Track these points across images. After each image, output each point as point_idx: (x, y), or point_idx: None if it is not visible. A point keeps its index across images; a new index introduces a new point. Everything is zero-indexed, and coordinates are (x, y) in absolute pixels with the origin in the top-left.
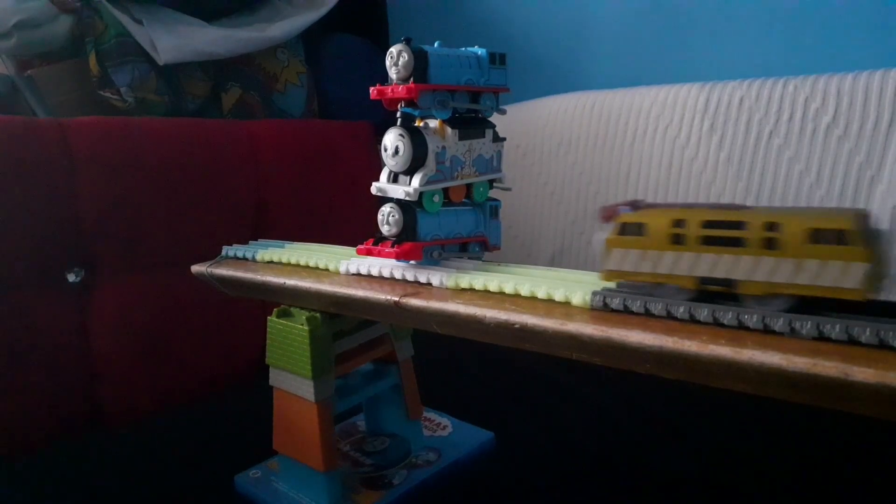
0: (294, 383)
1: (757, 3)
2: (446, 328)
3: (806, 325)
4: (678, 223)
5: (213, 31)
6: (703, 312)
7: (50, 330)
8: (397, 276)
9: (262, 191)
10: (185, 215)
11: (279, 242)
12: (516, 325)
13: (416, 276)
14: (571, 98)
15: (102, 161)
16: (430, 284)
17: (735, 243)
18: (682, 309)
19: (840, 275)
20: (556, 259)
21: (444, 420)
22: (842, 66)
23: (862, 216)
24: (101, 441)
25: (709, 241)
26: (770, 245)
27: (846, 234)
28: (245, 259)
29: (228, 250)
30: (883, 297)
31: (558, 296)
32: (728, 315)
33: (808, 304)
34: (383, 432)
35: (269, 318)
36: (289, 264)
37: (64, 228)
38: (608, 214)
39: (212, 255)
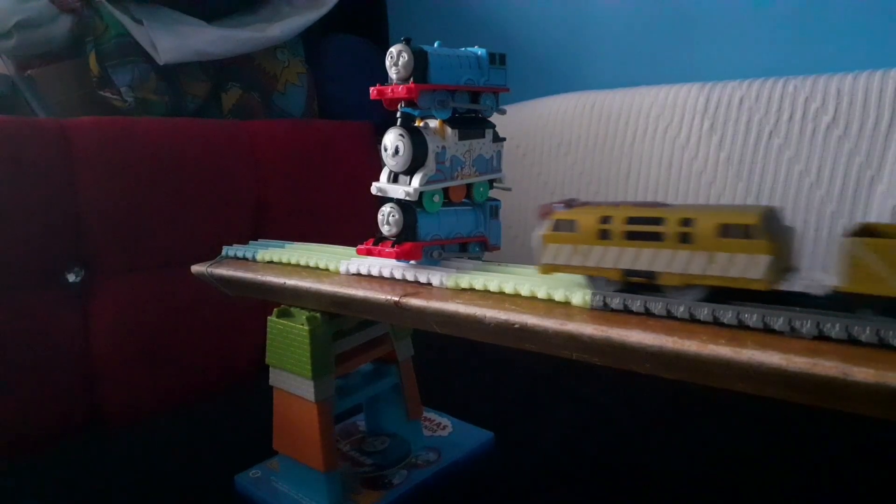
0: (294, 383)
1: (757, 3)
2: (446, 328)
3: (806, 323)
4: (605, 220)
5: (213, 32)
6: (703, 312)
7: (50, 330)
8: (397, 276)
9: (262, 191)
10: (185, 215)
11: (279, 242)
12: (516, 325)
13: (416, 276)
14: (571, 98)
15: (102, 161)
16: (430, 284)
17: (655, 238)
18: (682, 308)
19: (746, 266)
20: None
21: (444, 420)
22: (842, 66)
23: (769, 212)
24: (102, 441)
25: (631, 236)
26: (685, 239)
27: (751, 228)
28: (245, 259)
29: (228, 250)
30: (790, 287)
31: (558, 296)
32: (728, 314)
33: (720, 293)
34: (383, 432)
35: (269, 318)
36: (289, 264)
37: (64, 228)
38: (544, 212)
39: (212, 255)
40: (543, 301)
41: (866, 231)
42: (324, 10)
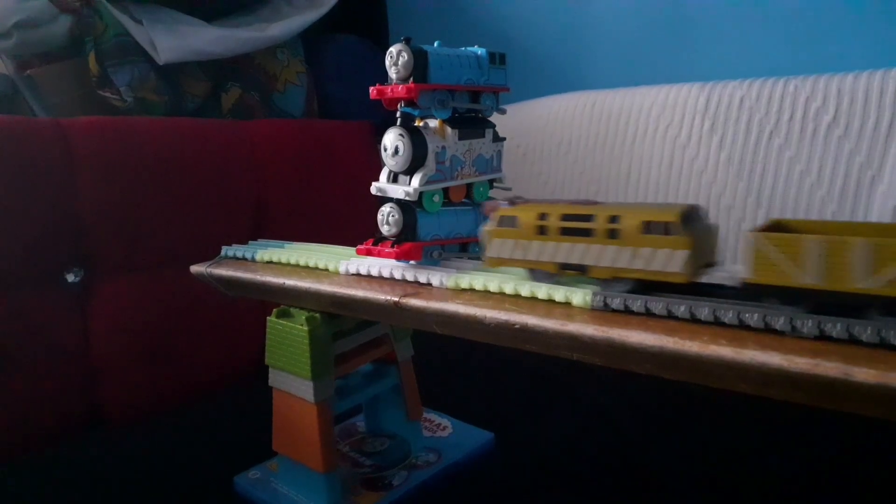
0: (294, 384)
1: (757, 3)
2: (446, 329)
3: (807, 323)
4: (542, 216)
5: (213, 31)
6: (704, 311)
7: (50, 330)
8: (397, 276)
9: (261, 191)
10: (185, 215)
11: (279, 242)
12: (516, 326)
13: (416, 277)
14: (571, 98)
15: (102, 161)
16: (430, 285)
17: (586, 234)
18: (682, 308)
19: (667, 260)
20: None
21: (444, 421)
22: (842, 66)
23: (690, 210)
24: (102, 441)
25: (566, 232)
26: (613, 235)
27: (671, 225)
28: (244, 259)
29: (228, 250)
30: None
31: (558, 296)
32: (729, 314)
33: (645, 285)
34: (383, 433)
35: (268, 318)
36: (288, 264)
37: (63, 228)
38: (490, 209)
39: (212, 254)
40: (544, 301)
41: (776, 227)
42: (324, 10)
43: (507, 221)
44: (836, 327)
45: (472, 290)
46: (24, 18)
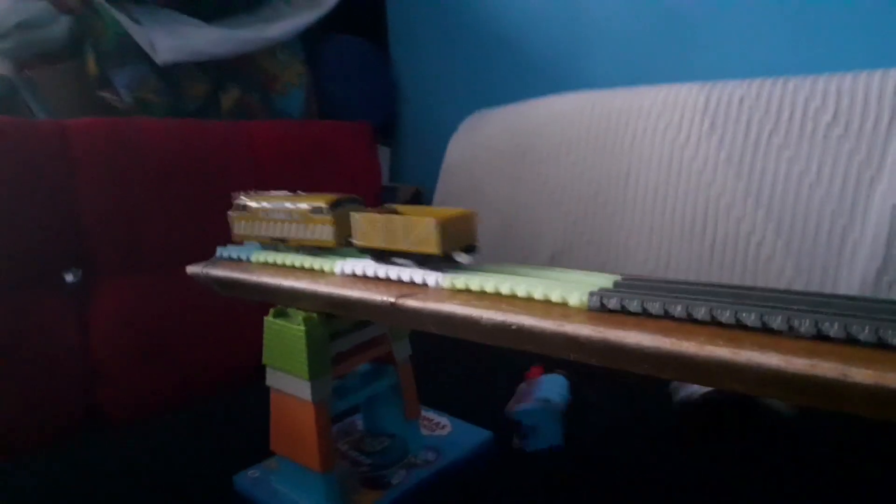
0: (291, 384)
1: (757, 3)
2: (443, 329)
3: (805, 322)
4: (261, 203)
5: (213, 32)
6: (701, 311)
7: (49, 330)
8: (392, 276)
9: (261, 191)
10: (185, 216)
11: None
12: (513, 327)
13: (411, 277)
14: (571, 98)
15: (102, 161)
16: (426, 285)
17: (286, 216)
18: (679, 308)
19: (323, 233)
20: (556, 259)
21: (443, 419)
22: (842, 66)
23: (340, 199)
24: (101, 441)
25: (274, 215)
26: (298, 217)
27: (323, 208)
28: (240, 260)
29: (223, 251)
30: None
31: (555, 296)
32: (726, 313)
33: (322, 251)
34: (382, 432)
35: (265, 318)
36: (284, 265)
37: (63, 229)
38: (234, 199)
39: (211, 255)
40: (540, 302)
41: (391, 211)
42: (323, 10)
43: (242, 208)
44: (833, 327)
45: (468, 290)
46: (24, 19)
